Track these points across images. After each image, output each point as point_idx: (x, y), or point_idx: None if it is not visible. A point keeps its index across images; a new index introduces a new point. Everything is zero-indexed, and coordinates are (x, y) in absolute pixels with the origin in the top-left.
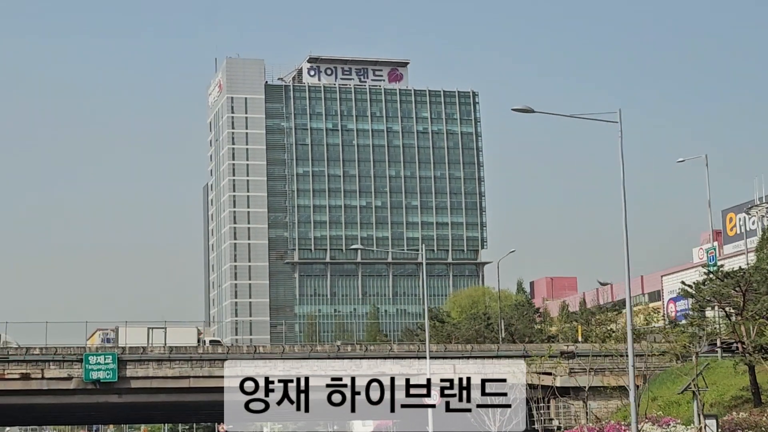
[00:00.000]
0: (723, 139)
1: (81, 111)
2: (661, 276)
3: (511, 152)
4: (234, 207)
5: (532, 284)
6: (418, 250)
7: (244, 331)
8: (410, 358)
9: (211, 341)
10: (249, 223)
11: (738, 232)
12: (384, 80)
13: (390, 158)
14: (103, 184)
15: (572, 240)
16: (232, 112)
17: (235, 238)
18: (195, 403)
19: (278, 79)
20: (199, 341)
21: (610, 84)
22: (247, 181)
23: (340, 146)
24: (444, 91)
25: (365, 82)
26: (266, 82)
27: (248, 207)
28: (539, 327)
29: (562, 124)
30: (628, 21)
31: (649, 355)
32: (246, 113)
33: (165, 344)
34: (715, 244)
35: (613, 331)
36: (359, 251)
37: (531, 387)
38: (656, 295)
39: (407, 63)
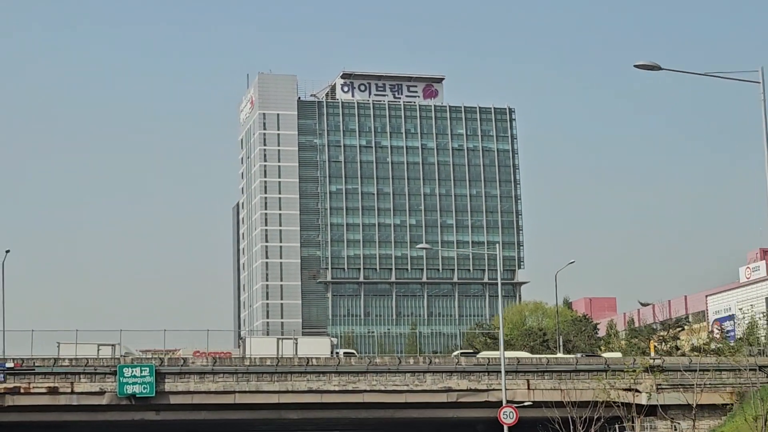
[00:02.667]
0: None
1: (110, 127)
2: (706, 296)
3: (548, 169)
4: (266, 225)
5: (570, 304)
6: (481, 256)
7: None
8: (479, 372)
9: (345, 353)
10: (281, 241)
11: None
12: (419, 96)
13: (425, 176)
14: (132, 201)
15: (609, 260)
16: (264, 129)
17: (267, 257)
18: (241, 421)
19: (311, 95)
20: (332, 353)
21: (648, 98)
22: (279, 199)
23: (374, 163)
24: (480, 108)
25: (399, 98)
26: (299, 98)
27: (280, 225)
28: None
29: (599, 142)
30: (661, 34)
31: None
32: (278, 130)
33: (295, 355)
34: None
35: (678, 348)
36: (393, 270)
37: (624, 405)
38: (701, 316)
39: (442, 79)
